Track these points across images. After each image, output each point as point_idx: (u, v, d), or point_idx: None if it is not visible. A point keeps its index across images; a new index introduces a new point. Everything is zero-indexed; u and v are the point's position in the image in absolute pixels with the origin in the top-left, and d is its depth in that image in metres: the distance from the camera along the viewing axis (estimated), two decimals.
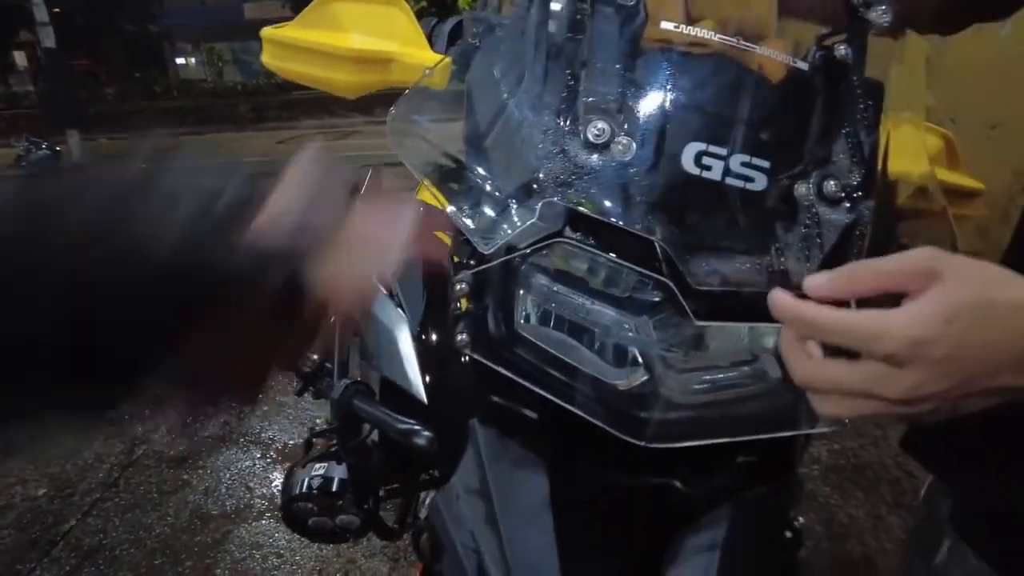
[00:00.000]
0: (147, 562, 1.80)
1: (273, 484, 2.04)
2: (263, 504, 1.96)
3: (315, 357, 0.96)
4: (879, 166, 0.55)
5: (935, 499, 0.70)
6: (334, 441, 0.81)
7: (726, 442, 0.55)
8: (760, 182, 0.50)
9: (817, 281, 0.41)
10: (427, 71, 0.66)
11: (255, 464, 2.13)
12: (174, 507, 1.98)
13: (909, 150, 0.60)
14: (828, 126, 0.52)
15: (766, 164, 0.50)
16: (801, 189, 0.51)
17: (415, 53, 0.82)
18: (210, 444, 2.22)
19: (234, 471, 2.10)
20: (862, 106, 0.53)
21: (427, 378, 0.66)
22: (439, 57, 0.81)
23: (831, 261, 0.51)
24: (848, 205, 0.51)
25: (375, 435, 0.92)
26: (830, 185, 0.51)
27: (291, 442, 2.23)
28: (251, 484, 2.05)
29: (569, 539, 0.54)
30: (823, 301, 0.41)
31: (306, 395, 2.68)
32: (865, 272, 0.40)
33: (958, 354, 0.37)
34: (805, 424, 0.56)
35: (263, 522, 1.90)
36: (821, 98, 0.52)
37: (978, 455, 0.59)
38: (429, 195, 0.58)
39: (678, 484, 0.58)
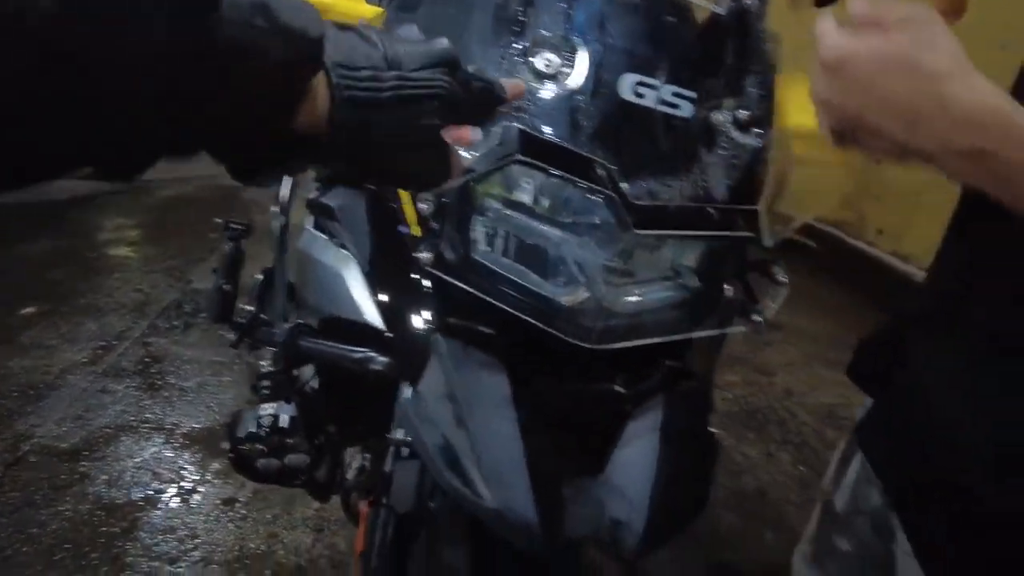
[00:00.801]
0: (45, 559, 1.69)
1: (182, 469, 1.96)
2: (174, 489, 1.88)
3: (250, 308, 0.95)
4: (774, 108, 0.64)
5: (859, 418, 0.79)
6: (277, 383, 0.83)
7: (657, 344, 0.63)
8: (686, 110, 0.58)
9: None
10: (362, 22, 0.68)
11: (160, 450, 2.03)
12: (72, 501, 1.86)
13: (801, 105, 0.70)
14: (740, 64, 0.61)
15: (692, 95, 0.57)
16: (719, 117, 0.59)
17: (350, 5, 0.84)
18: (108, 434, 2.09)
19: (138, 459, 1.99)
20: (766, 48, 0.62)
21: (383, 308, 0.69)
22: (374, 9, 0.83)
23: (745, 179, 0.60)
24: (758, 131, 0.60)
25: (315, 382, 0.94)
26: (743, 114, 0.60)
27: (197, 426, 2.14)
28: (158, 470, 1.95)
29: (527, 437, 0.60)
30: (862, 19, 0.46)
31: (208, 378, 2.53)
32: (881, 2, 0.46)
33: (865, 87, 0.44)
34: (719, 326, 0.66)
35: (174, 506, 1.82)
36: (734, 39, 0.60)
37: (913, 384, 0.67)
38: None
39: (618, 388, 0.65)
